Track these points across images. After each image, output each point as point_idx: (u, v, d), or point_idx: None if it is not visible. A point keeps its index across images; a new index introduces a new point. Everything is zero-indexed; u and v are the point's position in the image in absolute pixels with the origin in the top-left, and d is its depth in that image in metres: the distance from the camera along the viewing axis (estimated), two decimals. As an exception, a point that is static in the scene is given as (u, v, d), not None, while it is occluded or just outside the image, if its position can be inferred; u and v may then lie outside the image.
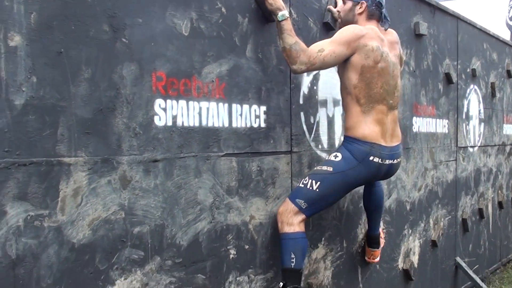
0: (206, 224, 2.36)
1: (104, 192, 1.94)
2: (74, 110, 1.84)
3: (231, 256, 2.49)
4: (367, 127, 2.75)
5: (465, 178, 5.02)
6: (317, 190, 2.67)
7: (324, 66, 2.68)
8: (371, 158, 2.74)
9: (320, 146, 3.06)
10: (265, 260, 2.68)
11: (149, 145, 2.11)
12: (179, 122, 2.22)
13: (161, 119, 2.15)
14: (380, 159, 2.77)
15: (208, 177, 2.36)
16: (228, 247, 2.47)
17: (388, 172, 2.91)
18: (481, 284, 4.71)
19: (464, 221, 4.97)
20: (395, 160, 2.88)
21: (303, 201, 2.66)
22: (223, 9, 2.42)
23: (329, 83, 3.12)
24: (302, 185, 2.71)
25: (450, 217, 4.72)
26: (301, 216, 2.66)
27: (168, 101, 2.17)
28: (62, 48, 1.80)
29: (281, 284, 2.60)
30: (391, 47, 2.89)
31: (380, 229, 3.40)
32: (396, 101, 2.90)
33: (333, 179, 2.70)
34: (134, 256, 2.05)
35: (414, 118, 4.06)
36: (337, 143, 3.19)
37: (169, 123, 2.18)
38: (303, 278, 2.81)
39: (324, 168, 2.72)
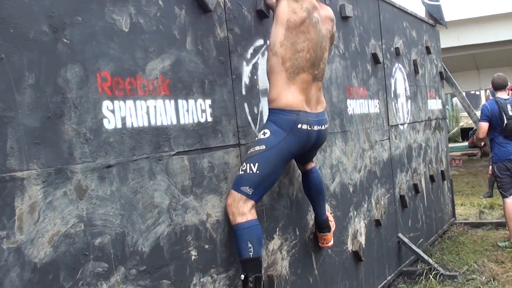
0: (165, 227, 2.34)
1: (61, 205, 1.89)
2: (22, 120, 1.77)
3: (193, 257, 2.49)
4: (291, 96, 2.83)
5: (398, 156, 5.27)
6: (257, 171, 2.71)
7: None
8: (299, 126, 2.83)
9: (265, 136, 3.11)
10: (225, 258, 2.70)
11: (101, 150, 2.06)
12: (128, 124, 2.19)
13: (110, 122, 2.11)
14: (308, 126, 2.87)
15: (162, 178, 2.35)
16: (189, 249, 2.47)
17: (319, 139, 3.03)
18: (424, 256, 4.98)
19: (402, 197, 5.24)
20: (323, 126, 3.01)
21: (247, 187, 2.70)
22: (160, 2, 2.41)
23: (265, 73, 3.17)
24: (242, 172, 2.74)
25: (389, 195, 4.95)
26: (250, 203, 2.71)
27: (116, 102, 2.14)
28: (2, 54, 1.72)
29: (243, 276, 2.63)
30: (324, 20, 3.02)
31: (328, 213, 3.52)
32: (321, 73, 3.04)
33: (269, 155, 2.75)
34: (98, 269, 2.00)
35: (348, 100, 4.21)
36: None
37: (119, 125, 2.15)
38: (262, 272, 2.86)
39: (257, 148, 2.77)
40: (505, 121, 5.91)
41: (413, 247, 5.02)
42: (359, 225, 4.25)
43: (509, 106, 5.95)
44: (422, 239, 5.69)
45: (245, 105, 2.96)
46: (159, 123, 2.35)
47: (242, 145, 2.90)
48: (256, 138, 2.86)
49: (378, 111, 4.84)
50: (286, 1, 2.80)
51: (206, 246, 2.58)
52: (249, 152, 2.81)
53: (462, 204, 8.51)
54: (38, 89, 1.84)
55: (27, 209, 1.77)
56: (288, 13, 2.78)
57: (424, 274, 4.77)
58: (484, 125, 6.04)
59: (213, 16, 2.74)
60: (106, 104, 2.09)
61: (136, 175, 2.21)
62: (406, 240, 5.05)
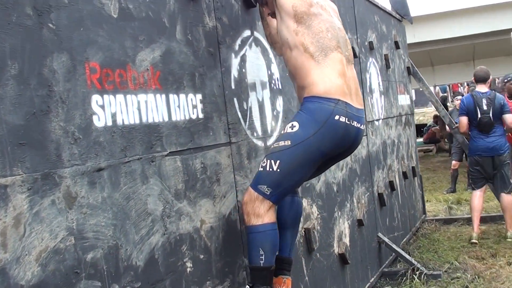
0: (160, 237, 2.12)
1: (49, 216, 1.64)
2: (4, 117, 1.52)
3: (188, 269, 2.27)
4: (328, 80, 2.49)
5: (375, 152, 5.18)
6: (278, 170, 2.43)
7: None
8: (336, 117, 2.44)
9: (255, 134, 2.92)
10: (220, 268, 2.49)
11: (91, 151, 1.82)
12: (119, 121, 1.96)
13: (100, 119, 1.87)
14: (347, 119, 2.47)
15: (155, 182, 2.12)
16: (184, 260, 2.25)
17: (356, 139, 2.61)
18: (407, 256, 4.90)
19: (380, 195, 5.14)
20: (362, 125, 2.61)
21: (265, 186, 2.43)
22: (149, -15, 2.18)
23: (255, 65, 2.98)
24: (261, 168, 2.47)
25: (368, 193, 4.84)
26: (268, 204, 2.45)
27: (105, 96, 1.90)
28: (-20, 39, 1.47)
29: (248, 287, 2.42)
30: (333, 11, 2.79)
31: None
32: (351, 55, 2.72)
33: (294, 152, 2.43)
34: (91, 288, 1.76)
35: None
36: (269, 129, 3.06)
37: (109, 123, 1.91)
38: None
39: (282, 143, 2.46)
40: (479, 116, 5.94)
41: (395, 247, 4.93)
42: (343, 226, 4.11)
43: (484, 101, 5.96)
44: (399, 238, 5.62)
45: (235, 100, 2.75)
46: (150, 120, 2.12)
47: (233, 143, 2.69)
48: (282, 132, 2.55)
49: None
50: None
51: (201, 256, 2.37)
52: (272, 146, 2.55)
53: (427, 201, 8.54)
54: (22, 80, 1.59)
55: (12, 222, 1.52)
56: (291, 0, 2.54)
57: (407, 274, 4.68)
58: (463, 119, 6.09)
59: (201, 4, 2.53)
60: (96, 99, 1.85)
61: (128, 179, 1.98)
62: (386, 240, 4.95)
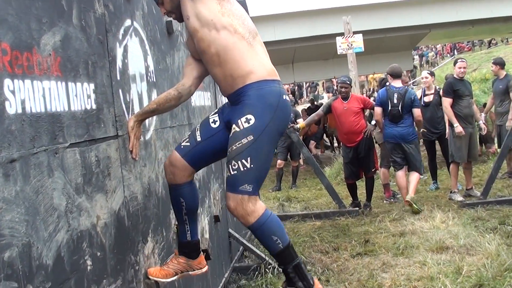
0: (64, 233, 2.03)
1: (-31, 211, 1.51)
2: None
3: (89, 267, 2.20)
4: (266, 62, 2.62)
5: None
6: (252, 165, 2.51)
7: None
8: (284, 97, 2.61)
9: (137, 128, 2.90)
10: (114, 266, 2.45)
11: (5, 140, 1.70)
12: (27, 108, 1.85)
13: (11, 106, 1.75)
14: (286, 96, 2.66)
15: (59, 175, 2.03)
16: (85, 258, 2.18)
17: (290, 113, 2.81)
18: (257, 251, 5.17)
19: (229, 192, 5.33)
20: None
21: (246, 185, 2.52)
22: (49, -36, 2.08)
23: (135, 56, 2.97)
24: (235, 171, 2.53)
25: (221, 189, 5.01)
26: (254, 198, 2.57)
27: (16, 81, 1.78)
28: None
29: (281, 269, 2.63)
30: None
31: None
32: None
33: (260, 144, 2.53)
34: (10, 290, 1.65)
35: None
36: (147, 122, 3.06)
37: (19, 110, 1.80)
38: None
39: (245, 141, 2.52)
40: (389, 108, 7.24)
41: (246, 242, 5.17)
42: (204, 222, 4.22)
43: (396, 95, 7.15)
44: (243, 234, 5.88)
45: (120, 91, 2.71)
46: (54, 109, 2.03)
47: (119, 136, 2.65)
48: (238, 129, 2.55)
49: (210, 104, 4.87)
50: None
51: (98, 254, 2.31)
52: (235, 147, 2.54)
53: (258, 199, 9.00)
54: None
55: None
56: None
57: (259, 269, 4.94)
58: (378, 109, 7.38)
59: (92, -12, 2.47)
60: (7, 83, 1.74)
61: (37, 172, 1.88)
62: (237, 235, 5.17)
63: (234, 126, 2.57)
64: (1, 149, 1.67)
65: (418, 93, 8.49)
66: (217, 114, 2.82)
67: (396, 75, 7.51)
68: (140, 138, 2.74)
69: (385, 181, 8.22)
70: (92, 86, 2.38)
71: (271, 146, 2.63)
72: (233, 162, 2.55)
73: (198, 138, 2.77)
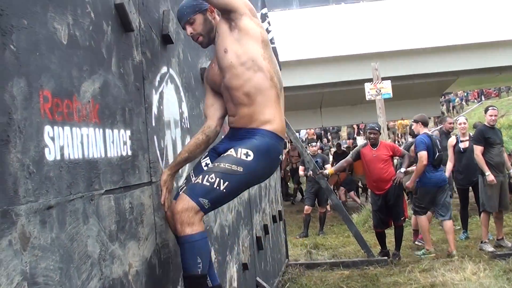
0: (97, 282, 2.00)
1: (6, 258, 1.49)
2: (-28, 146, 1.38)
3: (119, 317, 2.16)
4: (283, 119, 2.72)
5: (254, 195, 5.34)
6: (224, 190, 2.54)
7: None
8: (280, 156, 2.75)
9: (170, 174, 2.89)
10: (144, 314, 2.41)
11: (43, 187, 1.70)
12: (66, 155, 1.85)
13: (50, 152, 1.76)
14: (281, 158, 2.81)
15: (94, 222, 2.02)
16: (116, 307, 2.14)
17: None
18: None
19: (258, 239, 5.28)
20: None
21: (207, 201, 2.52)
22: (92, 14, 2.11)
23: (170, 102, 2.99)
24: (207, 183, 2.52)
25: (250, 236, 4.95)
26: (201, 214, 2.54)
27: (55, 128, 1.79)
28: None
29: None
30: None
31: None
32: None
33: (242, 179, 2.60)
34: None
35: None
36: (180, 169, 3.05)
37: (58, 157, 1.80)
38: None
39: (234, 167, 2.56)
40: (437, 153, 7.31)
41: (274, 290, 5.07)
42: (233, 270, 4.16)
43: (437, 141, 7.50)
44: (271, 283, 5.78)
45: (155, 138, 2.72)
46: (91, 155, 2.03)
47: (153, 183, 2.65)
48: (234, 154, 2.60)
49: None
50: (248, 17, 2.66)
51: (129, 302, 2.27)
52: (222, 165, 2.57)
53: (285, 245, 8.89)
54: (-14, 106, 1.46)
55: (-27, 266, 1.37)
56: (258, 27, 2.67)
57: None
58: (424, 154, 7.25)
59: (131, 37, 2.50)
60: (48, 130, 1.74)
61: (72, 219, 1.86)
62: (265, 284, 5.07)
63: (232, 150, 2.63)
64: (39, 195, 1.67)
65: (452, 140, 8.40)
66: (208, 157, 2.85)
67: (426, 123, 7.75)
68: (172, 190, 2.74)
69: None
70: (128, 132, 2.38)
71: (247, 186, 2.75)
72: (213, 175, 2.55)
73: None
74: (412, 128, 8.43)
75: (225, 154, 2.63)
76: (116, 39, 2.33)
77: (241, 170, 2.57)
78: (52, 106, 1.78)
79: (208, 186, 2.53)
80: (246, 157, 2.59)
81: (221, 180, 2.53)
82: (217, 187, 2.53)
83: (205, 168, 2.76)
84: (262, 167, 2.65)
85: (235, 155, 2.61)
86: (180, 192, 2.62)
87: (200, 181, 2.56)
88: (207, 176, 2.56)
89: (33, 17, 1.70)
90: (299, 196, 16.06)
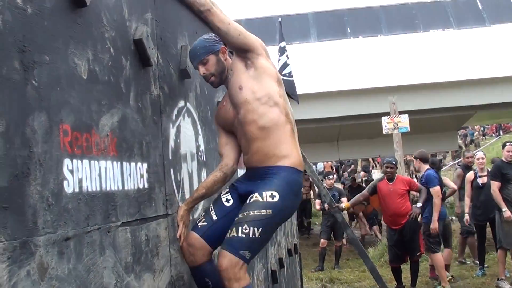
0: (112, 313, 2.02)
1: (24, 289, 1.52)
2: (-7, 178, 1.42)
3: None
4: (298, 154, 2.76)
5: (270, 229, 5.31)
6: (259, 236, 2.57)
7: (238, 37, 2.71)
8: (302, 189, 2.86)
9: (185, 206, 2.91)
10: None
11: (61, 218, 1.73)
12: (84, 187, 1.89)
13: (69, 185, 1.80)
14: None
15: (110, 254, 2.04)
16: None
17: None
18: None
19: (273, 272, 5.24)
20: None
21: (247, 252, 2.55)
22: (111, 50, 2.18)
23: (187, 136, 3.03)
24: (243, 235, 2.54)
25: (264, 270, 4.92)
26: (245, 267, 2.58)
27: (74, 161, 1.84)
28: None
29: None
30: None
31: None
32: None
33: (272, 221, 2.64)
34: None
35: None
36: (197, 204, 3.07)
37: (76, 189, 1.84)
38: None
39: (264, 212, 2.58)
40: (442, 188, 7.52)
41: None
42: (248, 304, 4.13)
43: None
44: (286, 316, 5.72)
45: (171, 171, 2.75)
46: (108, 188, 2.06)
47: (169, 215, 2.67)
48: (260, 199, 2.61)
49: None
50: (264, 58, 2.75)
51: (144, 335, 2.27)
52: (251, 213, 2.58)
53: (300, 279, 8.81)
54: (8, 139, 1.51)
55: (-9, 296, 1.39)
56: (273, 68, 2.78)
57: None
58: (438, 189, 7.34)
59: (150, 71, 2.56)
60: (67, 163, 1.79)
61: (89, 250, 1.89)
62: (280, 318, 5.02)
63: (256, 195, 2.63)
64: (57, 227, 1.70)
65: (471, 175, 8.32)
66: (229, 193, 2.87)
67: (426, 160, 7.84)
68: (188, 225, 2.77)
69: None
70: (145, 165, 2.42)
71: (278, 227, 2.83)
72: (246, 226, 2.56)
73: (214, 217, 2.79)
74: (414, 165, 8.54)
75: (251, 201, 2.65)
76: (135, 74, 2.39)
77: (271, 213, 2.60)
78: (72, 140, 1.83)
79: (245, 238, 2.55)
80: (272, 199, 2.62)
81: (255, 228, 2.56)
82: (253, 236, 2.55)
83: (226, 204, 2.82)
84: (289, 204, 2.70)
85: (261, 199, 2.62)
86: (220, 250, 2.62)
87: (235, 234, 2.57)
88: (240, 227, 2.57)
89: (55, 53, 1.77)
90: (315, 228, 15.88)
